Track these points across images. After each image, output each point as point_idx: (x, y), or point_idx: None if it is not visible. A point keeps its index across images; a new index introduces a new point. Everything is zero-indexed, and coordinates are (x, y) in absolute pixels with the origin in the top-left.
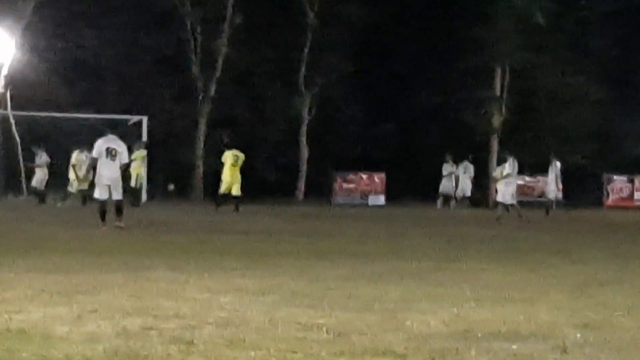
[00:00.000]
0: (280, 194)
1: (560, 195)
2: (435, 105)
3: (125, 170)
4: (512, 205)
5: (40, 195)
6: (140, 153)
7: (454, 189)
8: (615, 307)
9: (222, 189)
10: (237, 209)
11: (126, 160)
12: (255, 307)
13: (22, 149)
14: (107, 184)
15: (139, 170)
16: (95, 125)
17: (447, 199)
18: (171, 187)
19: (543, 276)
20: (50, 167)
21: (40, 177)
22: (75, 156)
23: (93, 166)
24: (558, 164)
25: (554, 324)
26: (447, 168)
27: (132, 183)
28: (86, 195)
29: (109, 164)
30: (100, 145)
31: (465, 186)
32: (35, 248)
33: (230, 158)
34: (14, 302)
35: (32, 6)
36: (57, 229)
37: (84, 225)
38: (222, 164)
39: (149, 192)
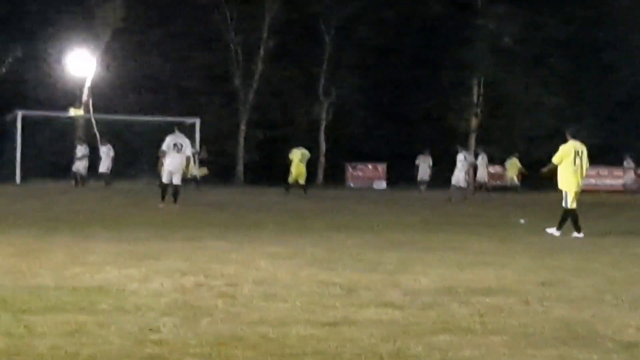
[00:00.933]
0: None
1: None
2: (426, 110)
3: (188, 162)
4: (460, 187)
5: (106, 179)
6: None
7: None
8: (567, 269)
9: (290, 179)
10: (305, 192)
11: (189, 154)
12: (283, 269)
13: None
14: (172, 171)
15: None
16: (160, 125)
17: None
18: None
19: (510, 245)
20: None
21: (83, 165)
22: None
23: (162, 156)
24: (484, 155)
25: (519, 282)
26: (460, 159)
27: (188, 175)
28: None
29: (175, 156)
30: (169, 140)
31: (481, 174)
32: (112, 222)
33: (298, 155)
34: (95, 265)
35: (110, 32)
36: (129, 208)
37: (149, 205)
38: (290, 160)
39: (202, 178)
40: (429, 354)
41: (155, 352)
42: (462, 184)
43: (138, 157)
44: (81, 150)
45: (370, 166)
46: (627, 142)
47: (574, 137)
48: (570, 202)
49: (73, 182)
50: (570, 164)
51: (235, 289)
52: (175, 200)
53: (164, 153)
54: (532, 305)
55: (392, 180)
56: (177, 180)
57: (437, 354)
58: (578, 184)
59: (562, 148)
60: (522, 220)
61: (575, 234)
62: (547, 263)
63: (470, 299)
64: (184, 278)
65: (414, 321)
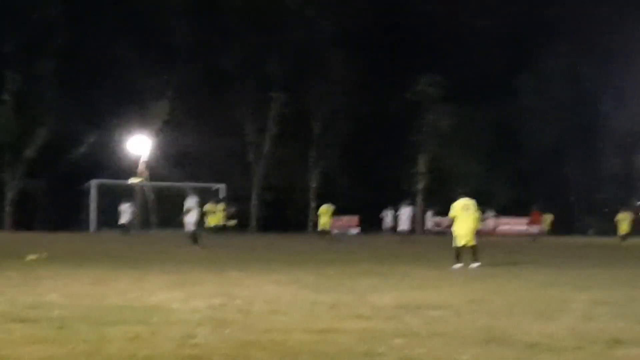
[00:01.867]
0: (297, 230)
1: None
2: (388, 177)
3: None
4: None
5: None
6: (220, 206)
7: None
8: (488, 290)
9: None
10: (325, 237)
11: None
12: (285, 292)
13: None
14: (193, 222)
15: (215, 217)
16: (196, 188)
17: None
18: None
19: (446, 273)
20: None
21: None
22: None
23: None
24: (408, 209)
25: (454, 300)
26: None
27: (211, 225)
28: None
29: (193, 214)
30: (190, 200)
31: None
32: (160, 259)
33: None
34: (149, 290)
35: (160, 122)
36: (172, 250)
37: (185, 247)
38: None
39: (222, 228)
40: (390, 352)
41: (192, 353)
42: (407, 228)
43: (179, 213)
44: (133, 206)
45: (347, 217)
46: (533, 198)
47: (464, 195)
48: (458, 242)
49: (129, 231)
50: (459, 215)
51: (249, 307)
52: (196, 242)
53: (189, 210)
54: (463, 316)
55: (362, 228)
56: (191, 227)
57: (395, 352)
58: (466, 229)
59: (454, 204)
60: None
61: (458, 265)
62: (473, 286)
63: (419, 312)
64: (213, 299)
65: (379, 328)
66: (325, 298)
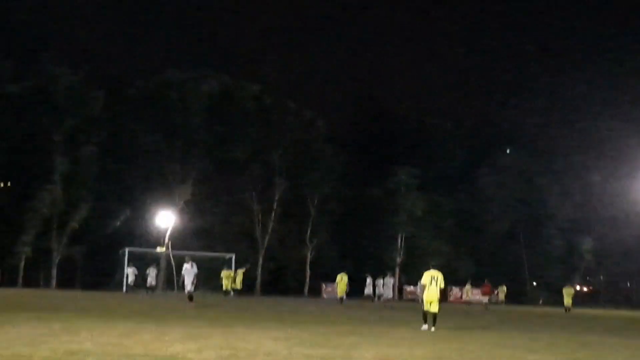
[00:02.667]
0: (295, 294)
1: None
2: (370, 253)
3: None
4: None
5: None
6: (228, 272)
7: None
8: (452, 348)
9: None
10: (341, 302)
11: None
12: (282, 346)
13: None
14: (189, 283)
15: (227, 281)
16: (211, 258)
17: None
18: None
19: (416, 333)
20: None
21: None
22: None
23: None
24: (390, 279)
25: (424, 356)
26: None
27: (224, 287)
28: (227, 291)
29: (190, 274)
30: (189, 267)
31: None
32: (178, 316)
33: (341, 277)
34: (168, 341)
35: (183, 201)
36: (196, 311)
37: (205, 307)
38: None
39: (232, 290)
40: None
41: None
42: (390, 296)
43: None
44: (153, 270)
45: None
46: (491, 273)
47: (433, 267)
48: (425, 307)
49: (149, 292)
50: (427, 284)
51: (252, 358)
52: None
53: (193, 274)
54: None
55: (349, 294)
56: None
57: None
58: (432, 296)
59: (425, 274)
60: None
61: (425, 326)
62: (439, 345)
63: None
64: (222, 350)
65: None
66: (316, 352)
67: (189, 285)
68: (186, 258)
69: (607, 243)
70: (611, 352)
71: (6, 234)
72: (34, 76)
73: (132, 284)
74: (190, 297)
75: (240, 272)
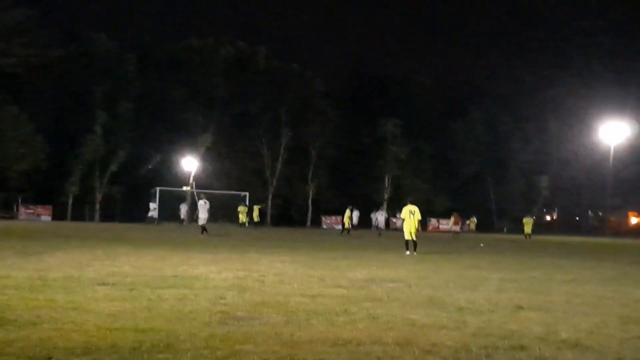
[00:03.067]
0: (299, 225)
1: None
2: (362, 190)
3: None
4: (380, 227)
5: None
6: (243, 207)
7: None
8: (431, 269)
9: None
10: (380, 234)
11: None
12: (289, 268)
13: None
14: (203, 218)
15: (243, 215)
16: (228, 195)
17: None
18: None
19: (401, 258)
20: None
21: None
22: (240, 207)
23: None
24: (382, 212)
25: (407, 276)
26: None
27: (240, 220)
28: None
29: (203, 209)
30: (202, 204)
31: (382, 220)
32: (201, 244)
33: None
34: (193, 265)
35: (203, 149)
36: (214, 237)
37: (224, 237)
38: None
39: (247, 223)
40: (360, 312)
41: (222, 309)
42: (381, 225)
43: (216, 211)
44: (184, 206)
45: (334, 217)
46: (462, 207)
47: (411, 203)
48: (406, 236)
49: (181, 223)
50: (407, 217)
51: (264, 278)
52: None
53: (203, 208)
54: (412, 287)
55: (355, 225)
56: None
57: (364, 312)
58: (410, 227)
59: (403, 209)
60: (481, 244)
61: (408, 252)
62: (420, 267)
63: (382, 284)
64: (238, 272)
65: (353, 295)
66: (316, 273)
67: (202, 220)
68: (200, 195)
69: (560, 180)
70: (561, 271)
71: (57, 177)
72: (77, 42)
73: (154, 214)
74: (204, 229)
75: (257, 208)
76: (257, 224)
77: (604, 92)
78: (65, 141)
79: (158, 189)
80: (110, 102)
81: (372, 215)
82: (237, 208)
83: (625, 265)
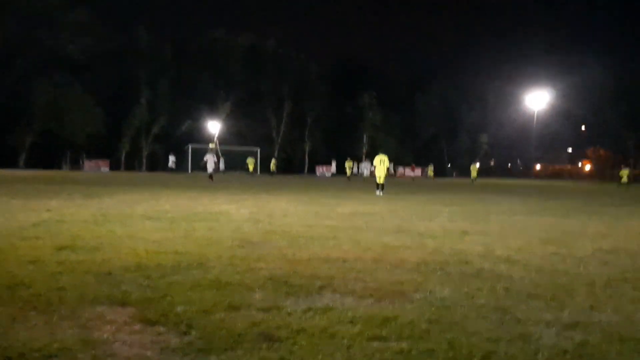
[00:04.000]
0: (298, 173)
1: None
2: (347, 146)
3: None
4: (363, 175)
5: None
6: (251, 159)
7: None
8: (399, 205)
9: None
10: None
11: (211, 162)
12: (291, 206)
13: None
14: (210, 167)
15: (251, 165)
16: (242, 150)
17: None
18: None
19: (375, 198)
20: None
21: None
22: (249, 159)
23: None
24: (368, 164)
25: (380, 211)
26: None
27: (250, 170)
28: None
29: (210, 161)
30: (210, 157)
31: (367, 171)
32: (224, 189)
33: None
34: (219, 203)
35: (224, 116)
36: (230, 183)
37: (245, 183)
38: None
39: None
40: (345, 236)
41: (241, 236)
42: (367, 173)
43: (233, 162)
44: (212, 159)
45: (325, 166)
46: (423, 160)
47: (381, 152)
48: (377, 180)
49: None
50: (377, 164)
51: (272, 213)
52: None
53: (213, 158)
54: (385, 219)
55: (334, 173)
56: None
57: (348, 236)
58: (380, 172)
59: (375, 158)
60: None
61: (378, 192)
62: (390, 203)
63: (362, 216)
64: (252, 208)
65: (340, 225)
66: (312, 209)
67: (210, 169)
68: (208, 149)
69: (497, 137)
70: (497, 205)
71: (113, 138)
72: (125, 34)
73: (172, 166)
74: (211, 177)
75: (274, 161)
76: (273, 173)
77: (531, 67)
78: (118, 112)
79: (190, 146)
80: (152, 82)
81: (360, 165)
82: (246, 160)
83: (545, 201)
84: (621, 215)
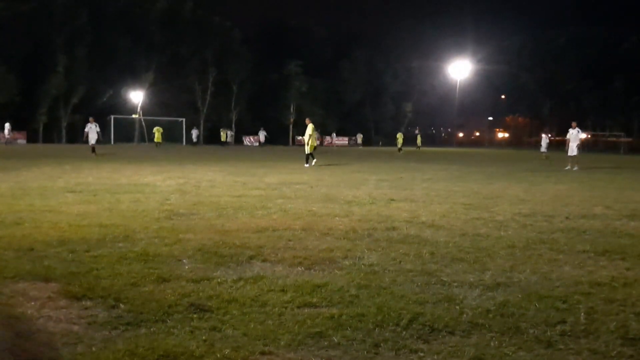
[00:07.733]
0: (223, 144)
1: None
2: (273, 118)
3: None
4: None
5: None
6: (158, 128)
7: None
8: (326, 174)
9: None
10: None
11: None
12: (219, 176)
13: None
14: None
15: (158, 134)
16: (169, 122)
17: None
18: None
19: (302, 166)
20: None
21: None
22: (155, 129)
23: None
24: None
25: (309, 180)
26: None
27: (157, 140)
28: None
29: (93, 131)
30: (93, 127)
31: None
32: (150, 159)
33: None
34: (144, 175)
35: (147, 85)
36: (153, 153)
37: (171, 153)
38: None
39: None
40: (275, 206)
41: (168, 208)
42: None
43: (156, 133)
44: (195, 131)
45: (252, 136)
46: (349, 127)
47: (311, 123)
48: (308, 150)
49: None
50: (310, 135)
51: (199, 184)
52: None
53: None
54: (313, 188)
55: (262, 143)
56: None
57: (278, 206)
58: (313, 142)
59: (307, 129)
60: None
61: (307, 165)
62: (317, 173)
63: (290, 186)
64: (178, 179)
65: (268, 195)
66: (240, 179)
67: (92, 140)
68: (90, 119)
69: (420, 105)
70: (421, 173)
71: (29, 107)
72: None
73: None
74: (93, 149)
75: (223, 131)
76: (224, 143)
77: (453, 38)
78: (34, 79)
79: (112, 117)
80: (69, 48)
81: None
82: (175, 131)
83: (467, 168)
84: (538, 180)
